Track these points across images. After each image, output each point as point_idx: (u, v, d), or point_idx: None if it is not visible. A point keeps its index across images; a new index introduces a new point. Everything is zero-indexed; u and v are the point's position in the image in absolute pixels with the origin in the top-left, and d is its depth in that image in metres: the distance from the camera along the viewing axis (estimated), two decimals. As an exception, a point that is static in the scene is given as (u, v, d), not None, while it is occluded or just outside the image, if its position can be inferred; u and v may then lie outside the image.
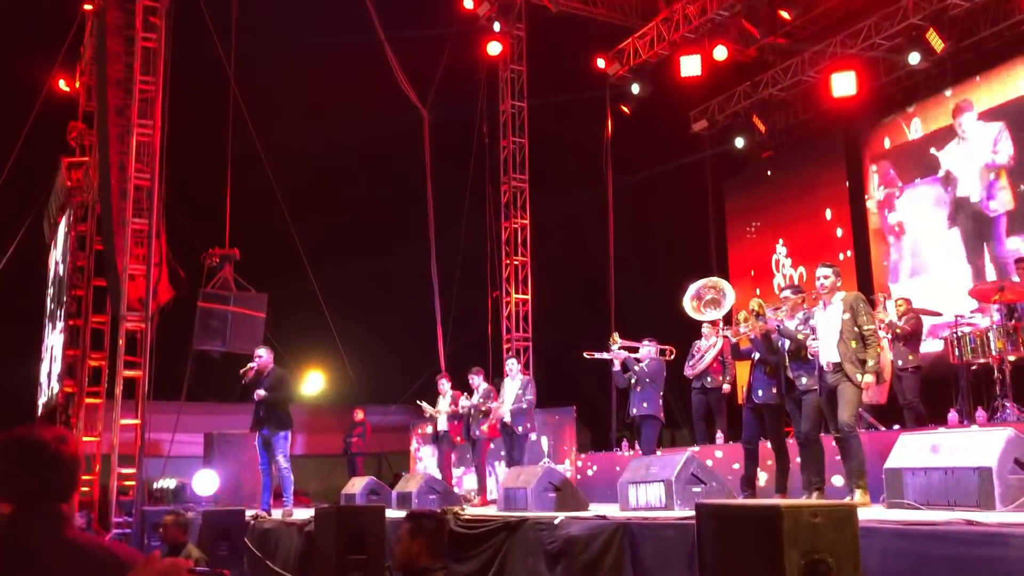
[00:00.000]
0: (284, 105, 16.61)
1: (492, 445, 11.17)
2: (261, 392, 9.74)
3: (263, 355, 10.03)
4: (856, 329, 6.61)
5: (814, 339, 6.84)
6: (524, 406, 10.30)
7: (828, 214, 15.63)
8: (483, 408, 10.60)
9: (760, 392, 7.54)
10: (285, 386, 10.19)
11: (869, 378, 6.51)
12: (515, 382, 10.51)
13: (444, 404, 11.19)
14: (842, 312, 6.68)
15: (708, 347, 10.58)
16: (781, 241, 16.41)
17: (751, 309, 7.42)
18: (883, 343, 8.90)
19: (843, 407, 6.52)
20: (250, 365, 9.98)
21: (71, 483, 2.41)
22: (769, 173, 17.18)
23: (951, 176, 13.47)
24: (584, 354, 10.08)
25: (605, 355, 9.76)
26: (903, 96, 14.72)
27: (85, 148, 15.18)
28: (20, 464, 2.34)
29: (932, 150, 13.78)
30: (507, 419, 10.28)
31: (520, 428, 10.26)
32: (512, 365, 10.89)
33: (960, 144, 13.37)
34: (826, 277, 6.85)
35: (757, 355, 7.60)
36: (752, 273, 16.75)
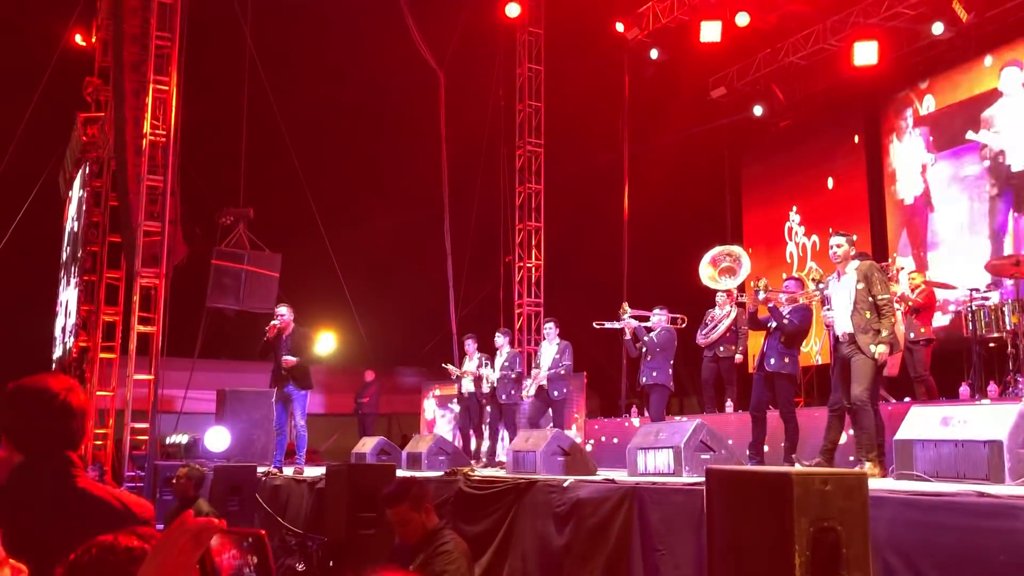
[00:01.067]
0: (300, 64, 16.50)
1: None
2: (290, 358, 9.78)
3: (284, 313, 10.05)
4: (870, 299, 6.57)
5: (828, 309, 6.80)
6: (562, 371, 9.98)
7: (845, 184, 15.48)
8: (512, 375, 10.50)
9: (772, 360, 7.54)
10: (309, 346, 10.27)
11: (883, 348, 6.48)
12: (552, 346, 10.17)
13: (470, 365, 10.96)
14: (856, 282, 6.63)
15: (722, 316, 10.52)
16: (795, 209, 16.28)
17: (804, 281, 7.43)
18: (897, 314, 8.85)
19: (856, 381, 6.50)
20: (273, 323, 10.00)
21: (80, 432, 2.42)
22: (781, 125, 16.91)
23: (989, 143, 13.08)
24: (594, 324, 10.03)
25: (615, 324, 9.70)
26: (925, 66, 14.50)
27: (101, 104, 15.15)
28: (30, 414, 2.35)
29: (970, 117, 13.43)
30: (544, 384, 9.99)
31: (556, 393, 9.94)
32: (549, 329, 10.41)
33: (1004, 105, 12.99)
34: (839, 246, 6.79)
35: (773, 324, 7.58)
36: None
